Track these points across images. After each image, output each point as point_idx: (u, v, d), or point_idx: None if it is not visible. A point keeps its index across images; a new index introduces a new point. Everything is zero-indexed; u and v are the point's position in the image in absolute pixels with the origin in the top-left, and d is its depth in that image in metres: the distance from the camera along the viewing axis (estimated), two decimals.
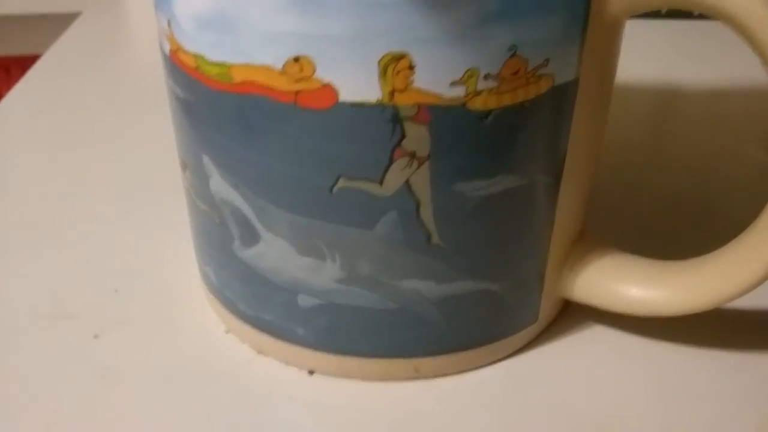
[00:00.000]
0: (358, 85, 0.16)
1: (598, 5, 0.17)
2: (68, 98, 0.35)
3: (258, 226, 0.19)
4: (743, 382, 0.21)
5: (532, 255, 0.20)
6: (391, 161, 0.17)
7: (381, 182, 0.18)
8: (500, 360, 0.21)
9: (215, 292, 0.22)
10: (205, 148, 0.19)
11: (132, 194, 0.28)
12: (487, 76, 0.16)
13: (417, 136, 0.17)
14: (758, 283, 0.19)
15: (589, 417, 0.20)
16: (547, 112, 0.18)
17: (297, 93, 0.17)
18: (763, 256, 0.19)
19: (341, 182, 0.18)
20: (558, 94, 0.17)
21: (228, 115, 0.18)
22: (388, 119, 0.17)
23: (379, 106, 0.16)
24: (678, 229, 0.26)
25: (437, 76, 0.16)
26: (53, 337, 0.22)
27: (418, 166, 0.17)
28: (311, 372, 0.21)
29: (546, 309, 0.22)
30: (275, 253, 0.19)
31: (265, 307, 0.20)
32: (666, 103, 0.35)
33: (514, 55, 0.16)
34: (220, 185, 0.19)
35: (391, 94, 0.16)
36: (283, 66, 0.16)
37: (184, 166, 0.21)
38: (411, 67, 0.16)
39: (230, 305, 0.21)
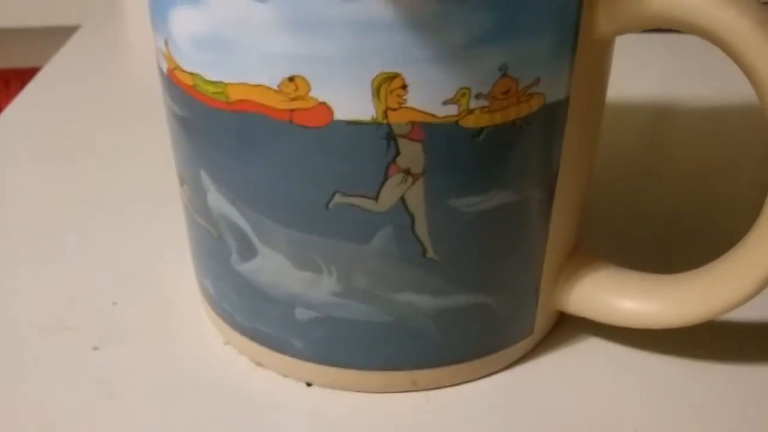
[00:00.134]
0: (352, 103, 0.16)
1: (587, 26, 0.17)
2: (67, 111, 0.36)
3: (255, 240, 0.19)
4: (737, 394, 0.21)
5: (527, 269, 0.20)
6: (386, 178, 0.17)
7: (376, 198, 0.18)
8: (496, 372, 0.22)
9: (213, 305, 0.22)
10: (203, 164, 0.19)
11: (130, 207, 0.29)
12: (478, 96, 0.17)
13: (411, 153, 0.17)
14: (750, 296, 0.19)
15: (584, 428, 0.20)
16: (539, 130, 0.18)
17: (292, 111, 0.17)
18: (755, 270, 0.19)
19: (337, 198, 0.18)
20: (549, 112, 0.18)
21: (225, 133, 0.18)
22: (383, 137, 0.17)
23: (373, 124, 0.17)
24: (672, 244, 0.27)
25: (430, 96, 0.16)
26: (53, 348, 0.22)
27: (413, 183, 0.18)
28: (309, 384, 0.21)
29: (541, 322, 0.22)
30: (272, 267, 0.19)
31: (263, 320, 0.21)
32: (660, 116, 0.35)
33: (504, 75, 0.16)
34: (217, 200, 0.19)
35: (385, 112, 0.17)
36: (279, 85, 0.17)
37: (182, 181, 0.21)
38: (404, 87, 0.16)
39: (228, 317, 0.22)
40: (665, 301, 0.21)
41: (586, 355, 0.22)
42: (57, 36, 0.46)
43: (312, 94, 0.17)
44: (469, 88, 0.16)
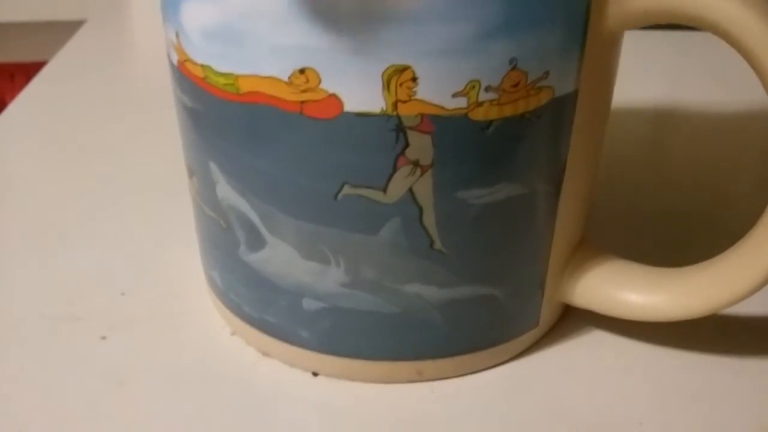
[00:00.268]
0: (362, 95, 0.17)
1: (596, 20, 0.17)
2: (73, 105, 0.36)
3: (264, 231, 0.19)
4: (741, 386, 0.21)
5: (533, 261, 0.20)
6: (394, 169, 0.18)
7: (385, 190, 0.18)
8: (502, 363, 0.22)
9: (221, 296, 0.22)
10: (212, 156, 0.19)
11: (138, 199, 0.29)
12: (488, 88, 0.17)
13: (420, 145, 0.17)
14: (755, 289, 0.20)
15: (588, 420, 0.20)
16: (547, 123, 0.18)
17: (303, 103, 0.17)
18: (760, 264, 0.19)
19: (346, 189, 0.18)
20: (558, 105, 0.18)
21: (235, 124, 0.18)
22: (392, 129, 0.17)
23: (383, 116, 0.17)
24: (677, 239, 0.27)
25: (439, 88, 0.17)
26: (62, 338, 0.22)
27: (421, 174, 0.18)
28: (315, 374, 0.21)
29: (547, 314, 0.22)
30: (281, 258, 0.20)
31: (270, 310, 0.21)
32: (665, 114, 0.35)
33: (514, 68, 0.17)
34: (226, 192, 0.19)
35: (395, 104, 0.17)
36: (290, 77, 0.17)
37: (191, 173, 0.21)
38: (414, 79, 0.16)
39: (235, 308, 0.22)
40: (670, 294, 0.21)
41: (591, 347, 0.22)
42: (62, 30, 0.46)
43: (322, 86, 0.17)
44: (478, 81, 0.17)
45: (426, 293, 0.20)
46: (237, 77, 0.17)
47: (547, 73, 0.17)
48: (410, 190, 0.18)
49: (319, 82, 0.17)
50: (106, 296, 0.24)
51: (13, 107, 0.36)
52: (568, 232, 0.21)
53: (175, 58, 0.19)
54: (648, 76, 0.38)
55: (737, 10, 0.17)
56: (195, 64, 0.18)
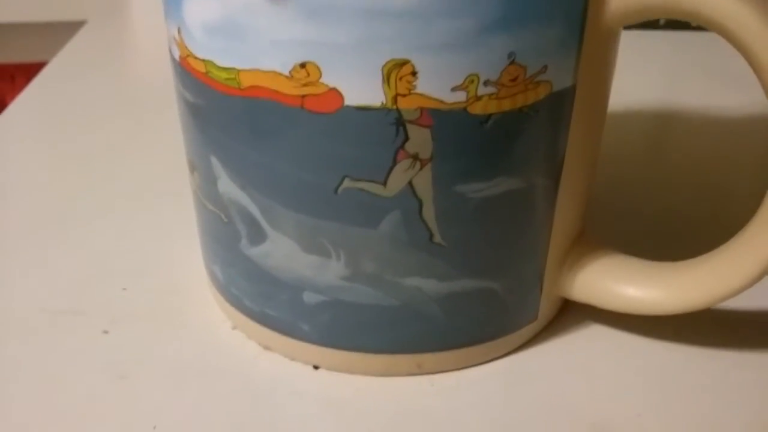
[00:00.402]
0: (362, 89, 0.17)
1: (594, 15, 0.17)
2: (73, 105, 0.36)
3: (265, 225, 0.20)
4: (739, 380, 0.21)
5: (532, 255, 0.21)
6: (394, 163, 0.18)
7: (384, 183, 0.18)
8: (501, 357, 0.22)
9: (222, 290, 0.23)
10: (214, 150, 0.19)
11: (138, 196, 0.29)
12: (487, 82, 0.17)
13: (420, 139, 0.17)
14: (751, 283, 0.20)
15: (587, 413, 0.20)
16: (546, 118, 0.18)
17: (304, 97, 0.17)
18: (756, 257, 0.19)
19: (346, 183, 0.18)
20: (556, 100, 0.18)
21: (236, 119, 0.18)
22: (392, 122, 0.17)
23: (383, 110, 0.17)
24: (675, 234, 0.27)
25: (439, 82, 0.17)
26: (64, 332, 0.23)
27: (421, 168, 0.18)
28: (316, 367, 0.22)
29: (545, 308, 0.22)
30: (281, 252, 0.20)
31: (271, 304, 0.21)
32: (664, 113, 0.36)
33: (513, 62, 0.17)
34: (228, 186, 0.20)
35: (395, 98, 0.17)
36: (290, 71, 0.17)
37: (192, 168, 0.21)
38: (414, 73, 0.17)
39: (236, 302, 0.22)
40: (668, 287, 0.21)
41: (589, 341, 0.23)
42: (63, 31, 0.46)
43: (323, 80, 0.17)
44: (477, 75, 0.17)
45: (425, 286, 0.20)
46: (238, 72, 0.17)
47: (545, 68, 0.17)
48: (410, 183, 0.18)
49: (320, 76, 0.17)
50: (108, 291, 0.24)
51: (13, 107, 0.36)
52: (566, 226, 0.21)
53: (177, 54, 0.19)
54: (647, 75, 0.39)
55: (734, 5, 0.17)
56: (197, 59, 0.18)
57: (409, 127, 0.17)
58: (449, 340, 0.21)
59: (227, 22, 0.17)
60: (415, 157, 0.18)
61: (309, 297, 0.20)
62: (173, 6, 0.18)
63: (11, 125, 0.34)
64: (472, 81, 0.17)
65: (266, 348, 0.22)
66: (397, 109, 0.17)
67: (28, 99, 0.37)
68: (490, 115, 0.17)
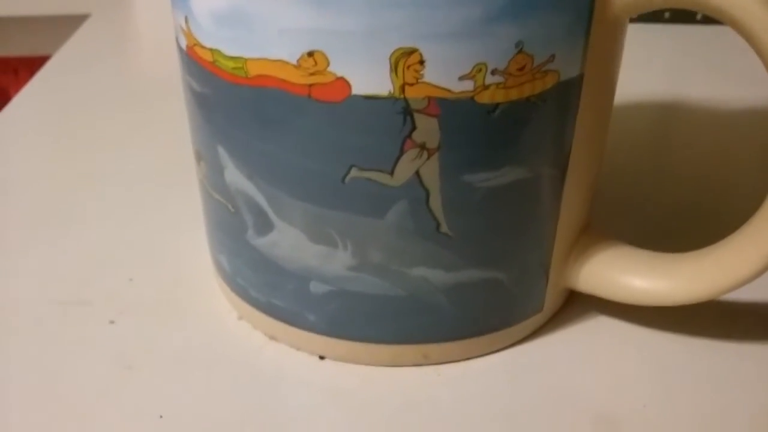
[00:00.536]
0: (370, 78, 0.17)
1: (601, 4, 0.17)
2: (77, 99, 0.36)
3: (271, 215, 0.20)
4: (743, 371, 0.21)
5: (538, 246, 0.21)
6: (401, 152, 0.18)
7: (392, 173, 0.18)
8: (506, 347, 0.22)
9: (228, 280, 0.23)
10: (221, 140, 0.19)
11: (144, 187, 0.29)
12: (494, 71, 0.17)
13: (427, 128, 0.17)
14: (757, 274, 0.20)
15: (592, 404, 0.20)
16: (553, 107, 0.18)
17: (311, 86, 0.17)
18: (762, 249, 0.19)
19: (353, 173, 0.18)
20: (563, 89, 0.18)
21: (243, 108, 0.18)
22: (399, 111, 0.17)
23: (390, 99, 0.17)
24: (680, 226, 0.27)
25: (446, 71, 0.17)
26: (71, 322, 0.23)
27: (428, 157, 0.18)
28: (322, 357, 0.22)
29: (551, 299, 0.22)
30: (288, 241, 0.20)
31: (278, 294, 0.21)
32: (670, 106, 0.36)
33: (520, 51, 0.17)
34: (234, 176, 0.20)
35: (402, 87, 0.17)
36: (298, 60, 0.17)
37: (199, 158, 0.21)
38: (421, 62, 0.17)
39: (243, 292, 0.22)
40: (673, 279, 0.21)
41: (595, 332, 0.23)
42: (67, 25, 0.46)
43: (330, 69, 0.17)
44: (485, 64, 0.17)
45: (432, 276, 0.20)
46: (246, 61, 0.17)
47: (552, 57, 0.17)
48: (417, 173, 0.18)
49: (328, 65, 0.17)
50: (115, 282, 0.24)
51: (17, 101, 0.36)
52: (573, 217, 0.21)
53: (183, 43, 0.19)
54: (651, 68, 0.39)
55: None
56: (204, 48, 0.18)
57: (416, 116, 0.17)
58: (455, 331, 0.21)
59: (235, 10, 0.17)
60: (423, 147, 0.18)
61: (315, 287, 0.20)
62: None
63: (15, 119, 0.34)
64: (480, 70, 0.17)
65: (272, 338, 0.22)
66: (405, 98, 0.17)
67: (32, 92, 0.37)
68: (497, 105, 0.17)
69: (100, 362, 0.21)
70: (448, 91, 0.17)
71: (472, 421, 0.20)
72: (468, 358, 0.22)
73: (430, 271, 0.20)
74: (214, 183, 0.21)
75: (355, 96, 0.17)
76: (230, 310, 0.23)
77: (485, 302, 0.21)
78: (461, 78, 0.17)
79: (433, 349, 0.21)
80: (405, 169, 0.18)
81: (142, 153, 0.31)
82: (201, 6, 0.18)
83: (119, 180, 0.30)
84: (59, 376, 0.21)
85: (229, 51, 0.18)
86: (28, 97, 0.36)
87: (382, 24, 0.16)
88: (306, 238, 0.19)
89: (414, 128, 0.17)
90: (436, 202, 0.19)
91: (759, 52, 0.17)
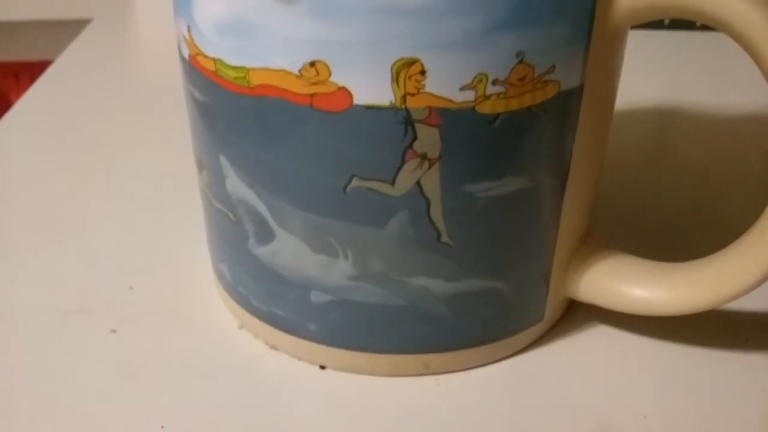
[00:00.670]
0: (371, 88, 0.17)
1: (602, 14, 0.17)
2: (79, 103, 0.36)
3: (273, 224, 0.20)
4: (744, 380, 0.21)
5: (538, 255, 0.21)
6: (402, 162, 0.18)
7: (393, 182, 0.18)
8: (507, 357, 0.22)
9: (229, 289, 0.23)
10: (223, 149, 0.20)
11: (145, 195, 0.29)
12: (495, 82, 0.17)
13: (428, 138, 0.18)
14: (757, 284, 0.20)
15: (592, 413, 0.20)
16: (554, 117, 0.18)
17: (313, 96, 0.17)
18: (762, 259, 0.19)
19: (354, 182, 0.18)
20: (564, 99, 0.18)
21: (245, 117, 0.18)
22: (401, 122, 0.17)
23: (391, 109, 0.17)
24: (681, 234, 0.27)
25: (448, 81, 0.17)
26: (72, 331, 0.23)
27: (429, 167, 0.18)
28: (323, 367, 0.22)
29: (551, 308, 0.22)
30: (289, 251, 0.20)
31: (279, 303, 0.21)
32: (670, 113, 0.36)
33: (521, 61, 0.17)
34: (236, 185, 0.20)
35: (404, 97, 0.17)
36: (300, 70, 0.17)
37: (201, 167, 0.21)
38: (422, 72, 0.17)
39: (244, 301, 0.22)
40: (674, 288, 0.21)
41: (595, 342, 0.23)
42: (68, 29, 0.46)
43: (332, 79, 0.17)
44: (486, 74, 0.17)
45: (433, 286, 0.20)
46: (248, 70, 0.18)
47: (553, 67, 0.17)
48: (418, 183, 0.18)
49: (329, 75, 0.17)
50: (116, 290, 0.24)
51: (18, 106, 0.36)
52: (573, 226, 0.21)
53: (186, 52, 0.19)
54: (651, 75, 0.39)
55: (740, 4, 0.17)
56: (206, 57, 0.18)
57: (417, 126, 0.17)
58: (456, 340, 0.21)
59: (237, 20, 0.17)
60: (424, 157, 0.18)
61: (316, 296, 0.20)
62: (183, 4, 0.19)
63: (16, 124, 0.35)
64: (481, 80, 0.17)
65: (273, 347, 0.22)
66: (406, 109, 0.17)
67: (33, 98, 0.37)
68: (498, 115, 0.17)
69: (100, 371, 0.21)
70: (449, 101, 0.17)
71: (473, 430, 0.20)
72: (469, 368, 0.22)
73: (430, 281, 0.20)
74: (215, 192, 0.21)
75: (357, 106, 0.17)
76: (231, 319, 0.23)
77: (486, 312, 0.21)
78: (462, 88, 0.17)
79: (434, 358, 0.21)
80: (406, 179, 0.18)
81: (143, 159, 0.31)
82: (204, 15, 0.18)
83: (120, 187, 0.30)
84: (60, 386, 0.21)
85: (232, 60, 0.18)
86: (29, 102, 0.36)
87: (383, 34, 0.16)
88: (307, 247, 0.19)
89: (415, 138, 0.17)
90: (436, 212, 0.19)
91: (758, 62, 0.17)
